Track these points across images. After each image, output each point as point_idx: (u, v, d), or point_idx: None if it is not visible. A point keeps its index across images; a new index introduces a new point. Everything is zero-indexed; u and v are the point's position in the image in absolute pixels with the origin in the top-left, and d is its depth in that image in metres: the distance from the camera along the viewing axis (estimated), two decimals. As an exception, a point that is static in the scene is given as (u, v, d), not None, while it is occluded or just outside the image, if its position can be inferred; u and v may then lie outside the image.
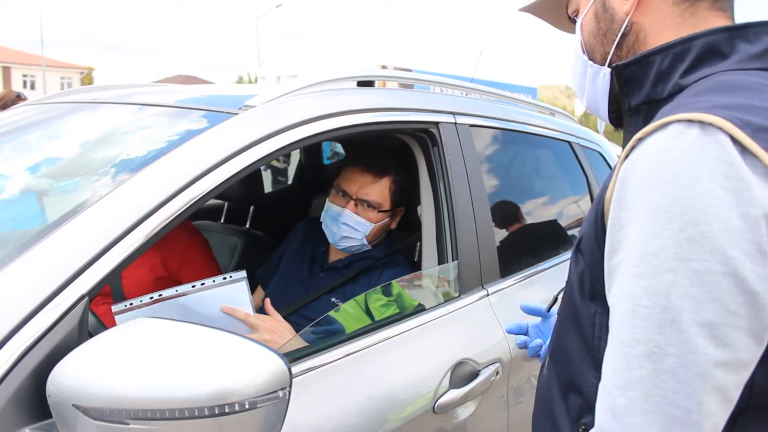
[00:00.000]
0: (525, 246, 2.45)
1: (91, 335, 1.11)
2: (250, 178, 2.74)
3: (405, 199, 2.18)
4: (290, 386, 1.02)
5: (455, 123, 2.04)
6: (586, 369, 0.93)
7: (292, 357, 1.43)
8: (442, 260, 1.94)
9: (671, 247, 0.72)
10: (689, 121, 0.75)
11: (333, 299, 2.01)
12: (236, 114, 1.51)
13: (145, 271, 2.42)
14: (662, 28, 0.97)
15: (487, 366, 1.80)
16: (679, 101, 0.85)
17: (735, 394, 0.74)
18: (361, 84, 1.94)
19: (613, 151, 3.38)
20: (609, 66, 1.04)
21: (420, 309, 1.81)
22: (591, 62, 1.08)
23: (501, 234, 2.22)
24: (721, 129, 0.73)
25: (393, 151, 2.23)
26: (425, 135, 1.97)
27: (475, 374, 1.76)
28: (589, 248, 0.92)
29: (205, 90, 2.12)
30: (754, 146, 0.72)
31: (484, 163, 2.21)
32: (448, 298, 1.89)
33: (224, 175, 1.37)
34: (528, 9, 1.23)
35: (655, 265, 0.73)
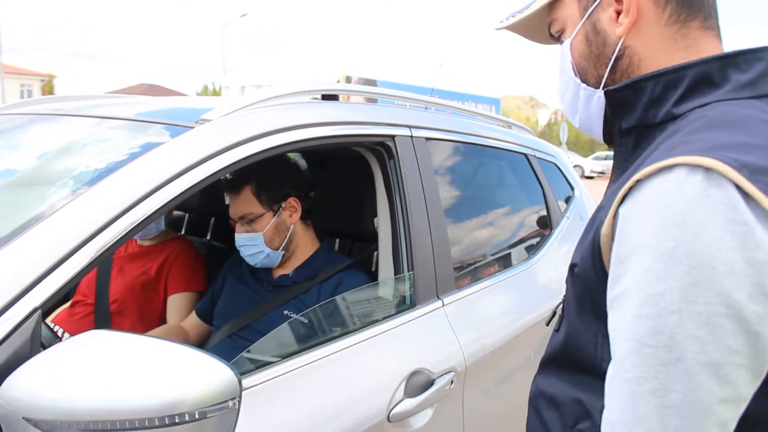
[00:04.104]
0: (481, 257, 2.49)
1: (44, 348, 1.12)
2: (210, 189, 2.75)
3: (284, 192, 2.21)
4: (240, 396, 1.04)
5: (411, 136, 2.08)
6: (589, 384, 0.96)
7: (243, 369, 1.45)
8: (398, 271, 1.97)
9: (677, 289, 0.74)
10: (693, 165, 0.76)
11: (286, 312, 2.04)
12: (192, 128, 1.53)
13: (133, 277, 2.52)
14: (656, 52, 0.98)
15: (441, 375, 1.83)
16: (677, 139, 0.86)
17: (732, 425, 0.77)
18: (325, 97, 1.97)
19: (571, 160, 3.46)
20: (603, 89, 1.04)
21: (375, 319, 1.84)
22: (584, 85, 1.08)
23: (456, 245, 2.26)
24: (722, 174, 0.75)
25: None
26: (381, 148, 2.00)
27: (429, 383, 1.78)
28: (586, 277, 0.93)
29: (164, 103, 2.13)
30: (754, 191, 0.74)
31: (440, 176, 2.25)
32: (403, 309, 1.91)
33: (178, 189, 1.38)
34: (508, 28, 1.21)
35: (661, 306, 0.75)
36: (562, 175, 3.27)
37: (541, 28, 1.16)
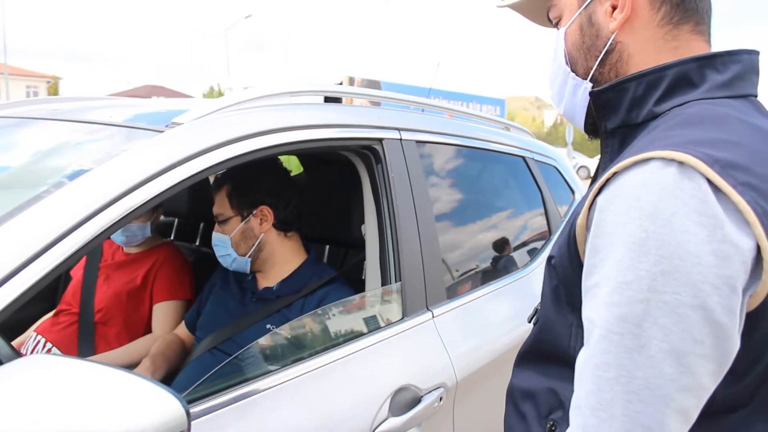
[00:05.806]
0: (474, 265, 2.40)
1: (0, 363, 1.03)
2: (199, 194, 2.67)
3: (255, 198, 2.12)
4: (189, 429, 0.95)
5: (400, 139, 1.98)
6: (562, 374, 0.97)
7: (217, 387, 1.36)
8: (385, 281, 1.87)
9: (646, 279, 0.76)
10: (667, 159, 0.78)
11: (268, 326, 1.94)
12: (162, 132, 1.44)
13: (119, 286, 2.46)
14: (645, 50, 1.00)
15: (430, 392, 1.74)
16: (654, 135, 0.88)
17: (695, 414, 0.78)
18: (328, 100, 1.88)
19: (576, 161, 3.36)
20: (591, 81, 1.07)
21: (359, 333, 1.74)
22: (573, 74, 1.10)
23: (448, 253, 2.16)
24: (694, 168, 0.77)
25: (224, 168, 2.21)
26: (369, 152, 1.91)
27: (417, 400, 1.69)
28: (562, 268, 0.95)
29: (146, 106, 2.05)
30: (724, 185, 0.76)
31: (432, 180, 2.16)
32: (390, 321, 1.82)
33: (145, 196, 1.29)
34: (509, 6, 1.23)
35: (629, 295, 0.77)
36: (563, 178, 3.16)
37: (542, 10, 1.18)
